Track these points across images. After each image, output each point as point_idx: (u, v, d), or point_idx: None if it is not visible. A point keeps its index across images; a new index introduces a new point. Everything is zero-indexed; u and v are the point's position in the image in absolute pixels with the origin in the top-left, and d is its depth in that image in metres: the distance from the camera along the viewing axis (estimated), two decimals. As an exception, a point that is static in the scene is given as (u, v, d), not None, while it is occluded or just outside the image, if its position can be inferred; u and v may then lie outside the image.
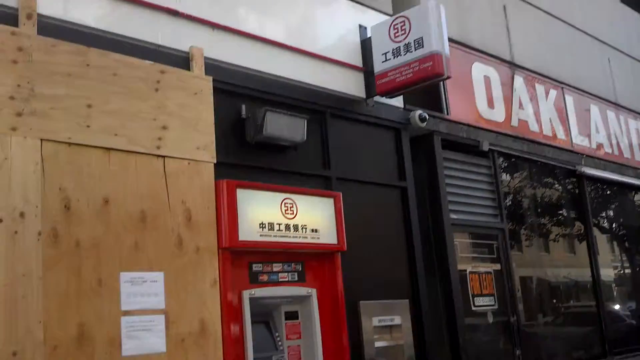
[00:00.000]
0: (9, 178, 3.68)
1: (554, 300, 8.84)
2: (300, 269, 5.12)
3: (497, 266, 7.28)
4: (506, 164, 8.10)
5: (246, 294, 4.68)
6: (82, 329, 3.78)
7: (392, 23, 6.05)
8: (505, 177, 8.06)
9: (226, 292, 4.51)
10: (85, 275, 3.87)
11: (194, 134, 4.58)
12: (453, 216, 6.81)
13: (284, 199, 5.00)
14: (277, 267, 5.00)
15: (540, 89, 8.76)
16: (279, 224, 4.92)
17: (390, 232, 6.13)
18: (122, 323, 3.97)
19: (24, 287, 3.61)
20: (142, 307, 4.08)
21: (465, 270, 6.84)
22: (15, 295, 3.57)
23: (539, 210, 8.81)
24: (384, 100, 6.28)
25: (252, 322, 4.66)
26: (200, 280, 4.39)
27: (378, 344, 5.61)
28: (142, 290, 4.10)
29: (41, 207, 3.76)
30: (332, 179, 5.67)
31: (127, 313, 4.00)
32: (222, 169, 4.73)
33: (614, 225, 10.71)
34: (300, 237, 5.02)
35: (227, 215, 4.59)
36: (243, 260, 4.79)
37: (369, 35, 6.28)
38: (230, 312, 4.50)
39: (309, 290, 5.05)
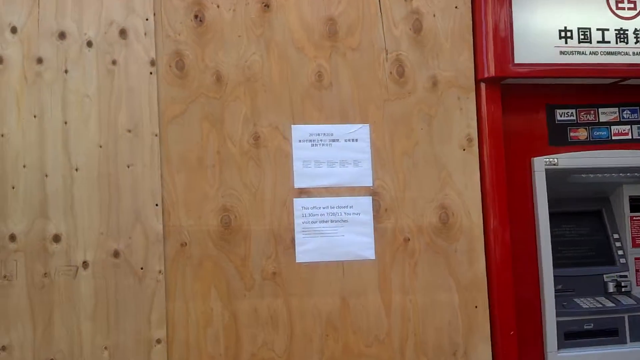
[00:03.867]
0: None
1: None
2: (652, 114, 2.70)
3: None
4: None
5: (540, 164, 2.57)
6: (226, 217, 2.32)
7: None
8: None
9: (495, 159, 2.48)
10: (230, 130, 2.35)
11: None
12: None
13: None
14: (607, 112, 2.70)
15: None
16: (604, 30, 2.56)
17: None
18: (296, 208, 2.36)
19: (130, 150, 2.29)
20: (332, 184, 2.40)
21: None
22: (121, 165, 2.28)
23: None
24: None
25: (554, 214, 2.56)
26: (442, 137, 2.46)
27: None
28: (331, 154, 2.40)
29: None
30: None
31: (304, 192, 2.38)
32: None
33: None
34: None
35: (490, 19, 2.49)
36: (536, 100, 2.66)
37: None
38: (501, 196, 2.47)
39: (677, 156, 2.63)
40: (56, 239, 2.21)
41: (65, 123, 2.25)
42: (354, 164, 2.40)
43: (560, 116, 2.67)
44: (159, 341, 2.23)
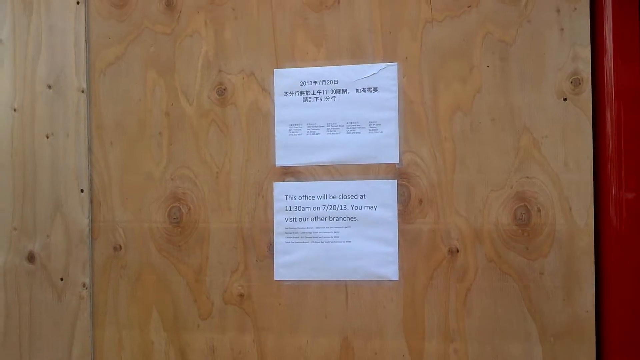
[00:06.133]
0: None
1: None
2: None
3: None
4: None
5: None
6: (175, 209, 1.58)
7: None
8: None
9: (626, 116, 1.41)
10: (185, 80, 1.59)
11: None
12: None
13: None
14: None
15: None
16: None
17: None
18: (278, 198, 1.54)
19: (51, 113, 1.64)
20: (334, 160, 1.52)
21: None
22: (39, 135, 1.65)
23: None
24: None
25: None
26: (525, 79, 1.44)
27: None
28: (334, 113, 1.52)
29: None
30: None
31: (289, 173, 1.54)
32: None
33: None
34: None
35: None
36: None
37: None
38: (636, 180, 1.40)
39: None
40: (-40, 235, 1.66)
41: (-29, 79, 1.67)
42: (370, 127, 1.50)
43: None
44: (81, 383, 1.60)
